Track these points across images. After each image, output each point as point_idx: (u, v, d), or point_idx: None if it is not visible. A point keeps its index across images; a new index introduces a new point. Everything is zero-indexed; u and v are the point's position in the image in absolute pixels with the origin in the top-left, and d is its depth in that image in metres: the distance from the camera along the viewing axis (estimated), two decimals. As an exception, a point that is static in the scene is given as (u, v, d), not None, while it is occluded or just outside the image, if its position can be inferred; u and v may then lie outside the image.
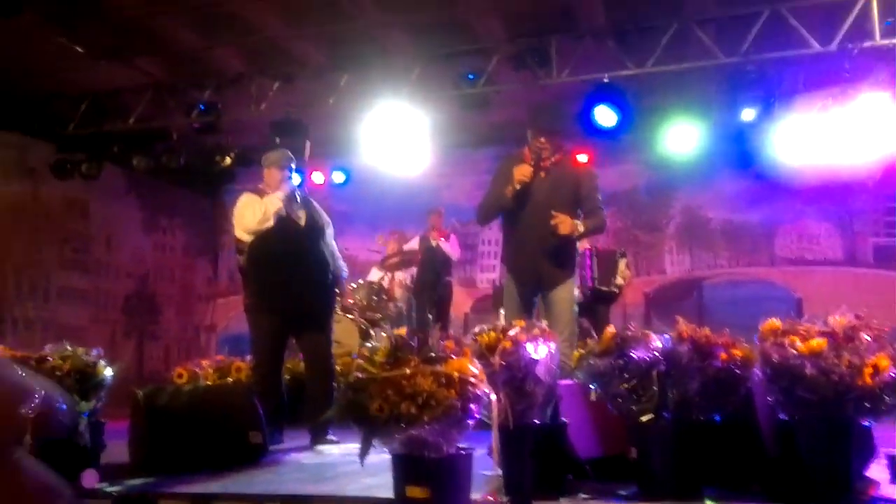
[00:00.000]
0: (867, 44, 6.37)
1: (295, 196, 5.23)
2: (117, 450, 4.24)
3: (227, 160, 8.96)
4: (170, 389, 4.55)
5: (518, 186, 4.80)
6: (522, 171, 4.79)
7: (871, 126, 6.94)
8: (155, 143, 9.04)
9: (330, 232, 5.43)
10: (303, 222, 5.23)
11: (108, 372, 3.87)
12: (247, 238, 5.16)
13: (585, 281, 7.35)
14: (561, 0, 6.89)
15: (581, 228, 4.82)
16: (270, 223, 5.06)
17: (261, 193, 5.20)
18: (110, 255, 10.30)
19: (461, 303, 10.46)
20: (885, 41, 6.35)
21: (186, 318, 11.61)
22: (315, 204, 5.46)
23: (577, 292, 5.02)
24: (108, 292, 10.26)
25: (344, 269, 5.57)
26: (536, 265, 4.93)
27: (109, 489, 3.47)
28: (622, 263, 7.50)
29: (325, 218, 5.43)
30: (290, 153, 5.42)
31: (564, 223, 4.71)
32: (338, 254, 5.49)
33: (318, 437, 5.07)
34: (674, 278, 9.92)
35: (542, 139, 4.84)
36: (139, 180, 10.33)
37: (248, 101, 8.22)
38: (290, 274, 5.10)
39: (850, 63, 6.50)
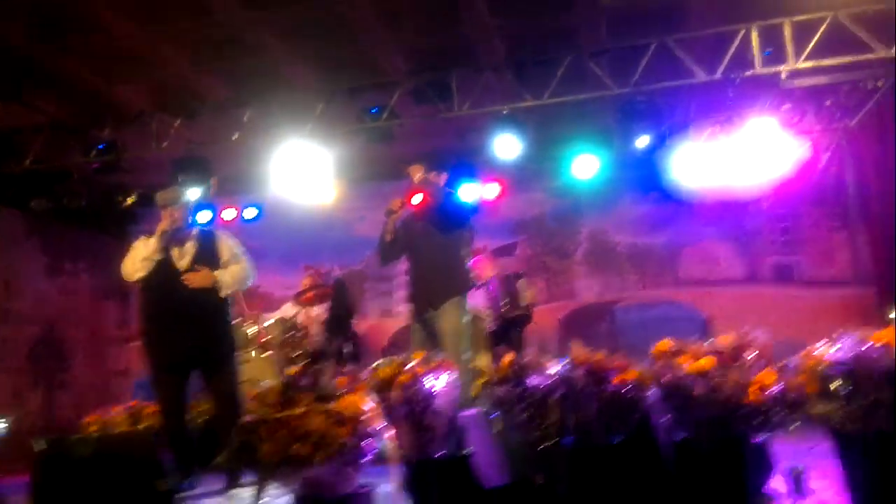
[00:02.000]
0: (748, 73, 6.63)
1: (176, 235, 5.07)
2: (20, 507, 4.07)
3: (130, 200, 8.73)
4: (71, 439, 4.39)
5: (386, 217, 5.24)
6: (391, 204, 5.23)
7: (760, 150, 7.23)
8: (54, 184, 8.72)
9: (233, 263, 5.22)
10: (184, 263, 5.11)
11: (2, 424, 3.71)
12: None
13: (497, 309, 7.43)
14: (460, 35, 7.02)
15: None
16: (141, 273, 4.99)
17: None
18: (11, 302, 9.85)
19: (380, 335, 10.41)
20: (766, 69, 6.64)
21: (98, 364, 11.16)
22: (221, 239, 5.29)
23: (465, 319, 5.17)
24: (11, 340, 9.81)
25: (235, 279, 5.22)
26: (420, 290, 5.20)
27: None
28: (521, 284, 7.61)
29: (230, 252, 5.25)
30: (175, 191, 5.31)
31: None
32: (239, 271, 5.23)
33: (233, 480, 4.95)
34: (585, 303, 10.06)
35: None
36: (40, 223, 9.95)
37: (149, 138, 7.99)
38: (168, 324, 5.01)
39: (734, 91, 6.78)
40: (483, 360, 6.39)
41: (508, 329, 7.49)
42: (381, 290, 10.69)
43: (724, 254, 9.75)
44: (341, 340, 7.53)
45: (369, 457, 2.63)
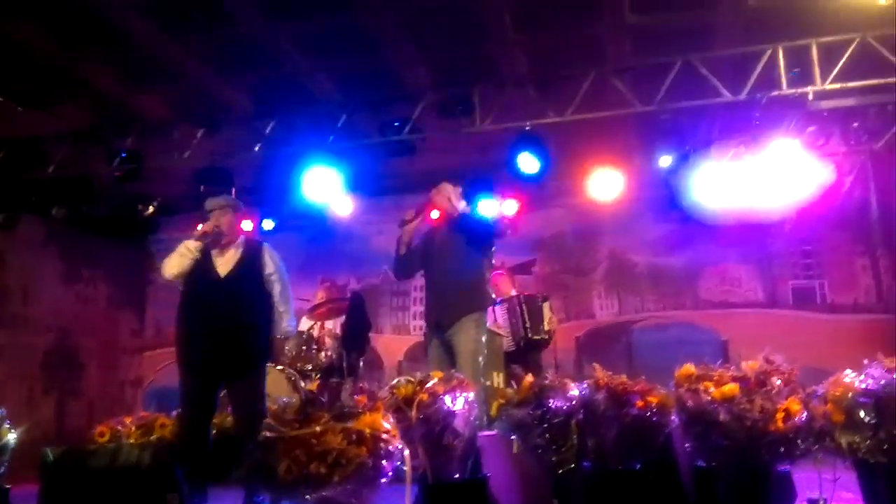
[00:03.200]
0: (775, 93, 6.60)
1: (221, 242, 5.07)
2: (29, 517, 4.05)
3: (151, 209, 8.77)
4: (83, 450, 4.36)
5: (400, 228, 5.28)
6: (405, 215, 5.30)
7: (783, 172, 7.16)
8: (75, 192, 8.76)
9: (275, 280, 5.19)
10: (223, 272, 5.12)
11: (12, 435, 3.70)
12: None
13: (518, 330, 7.35)
14: (484, 49, 7.00)
15: None
16: (175, 270, 5.03)
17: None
18: (27, 308, 9.88)
19: (394, 351, 10.37)
20: (792, 90, 6.59)
21: (111, 373, 11.16)
22: (266, 253, 5.24)
23: (483, 337, 5.09)
24: (26, 347, 9.82)
25: (290, 322, 5.28)
26: (438, 307, 5.17)
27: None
28: (546, 308, 7.52)
29: (271, 266, 5.20)
30: (225, 198, 5.30)
31: None
32: (283, 304, 5.22)
33: (251, 495, 4.91)
34: (603, 323, 9.98)
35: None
36: (60, 230, 9.99)
37: (171, 148, 8.06)
38: (201, 329, 5.00)
39: (759, 112, 6.73)
40: (497, 379, 6.34)
41: (526, 351, 7.40)
42: (396, 305, 10.65)
43: (744, 276, 9.64)
44: (356, 355, 7.48)
45: (387, 477, 2.57)
